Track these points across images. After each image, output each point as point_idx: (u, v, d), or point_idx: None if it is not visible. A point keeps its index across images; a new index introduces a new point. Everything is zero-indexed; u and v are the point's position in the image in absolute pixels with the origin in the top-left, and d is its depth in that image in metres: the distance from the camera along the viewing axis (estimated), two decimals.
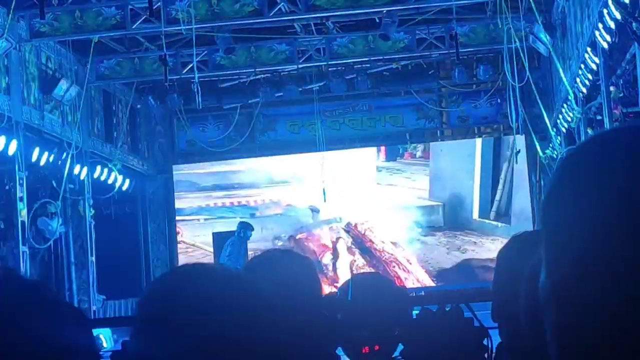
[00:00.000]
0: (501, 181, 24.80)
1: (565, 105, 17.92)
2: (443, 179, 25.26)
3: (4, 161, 16.79)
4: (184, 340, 1.64)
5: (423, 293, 22.32)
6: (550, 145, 20.98)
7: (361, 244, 24.98)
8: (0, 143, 16.14)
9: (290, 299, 2.76)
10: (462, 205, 25.02)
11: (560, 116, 18.71)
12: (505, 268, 2.71)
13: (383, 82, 23.18)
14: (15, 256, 16.78)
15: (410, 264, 24.56)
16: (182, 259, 24.39)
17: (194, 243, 25.29)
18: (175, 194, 25.28)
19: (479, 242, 24.64)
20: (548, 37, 18.06)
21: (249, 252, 23.20)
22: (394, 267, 24.49)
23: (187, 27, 17.04)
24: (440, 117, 25.16)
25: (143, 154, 24.39)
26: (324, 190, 24.00)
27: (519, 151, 23.02)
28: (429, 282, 24.35)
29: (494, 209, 24.83)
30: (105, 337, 18.19)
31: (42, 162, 18.26)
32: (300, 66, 21.41)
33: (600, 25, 12.87)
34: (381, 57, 21.28)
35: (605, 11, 12.31)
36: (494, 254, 3.38)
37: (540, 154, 21.24)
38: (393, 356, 5.66)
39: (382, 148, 25.58)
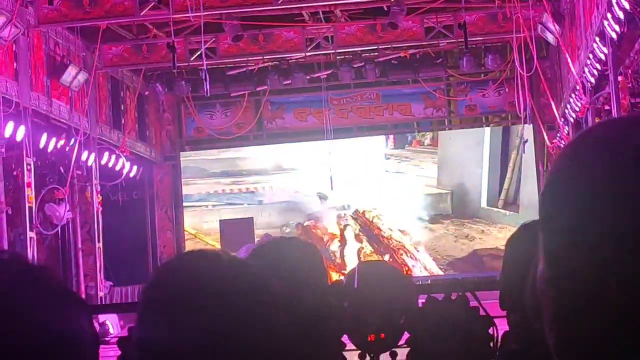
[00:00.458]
0: (509, 169, 24.78)
1: (573, 95, 17.88)
2: (451, 167, 25.24)
3: (12, 147, 16.80)
4: (188, 325, 1.65)
5: (429, 282, 22.35)
6: (558, 135, 20.96)
7: (369, 231, 25.00)
8: (9, 129, 16.16)
9: (296, 287, 2.76)
10: (470, 194, 25.01)
11: (569, 106, 18.67)
12: (513, 257, 2.71)
13: (391, 70, 23.12)
14: (23, 242, 16.81)
15: (418, 251, 24.58)
16: (189, 245, 24.41)
17: (195, 234, 25.31)
18: (182, 180, 25.31)
19: (486, 231, 24.63)
20: (557, 27, 18.02)
21: (256, 240, 23.22)
22: (401, 254, 24.51)
23: (195, 14, 17.03)
24: (448, 106, 25.14)
25: (151, 141, 24.41)
26: (331, 177, 24.00)
27: (526, 141, 22.97)
28: (436, 270, 24.35)
29: (502, 197, 24.81)
30: (111, 323, 18.25)
31: (50, 148, 18.28)
32: (308, 54, 21.38)
33: (609, 15, 12.84)
34: (389, 46, 21.24)
35: (614, 1, 12.27)
36: (501, 243, 3.39)
37: (548, 143, 21.22)
38: (399, 344, 5.67)
39: (391, 135, 25.58)
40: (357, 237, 24.91)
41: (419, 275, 23.69)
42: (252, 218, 25.03)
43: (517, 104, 20.76)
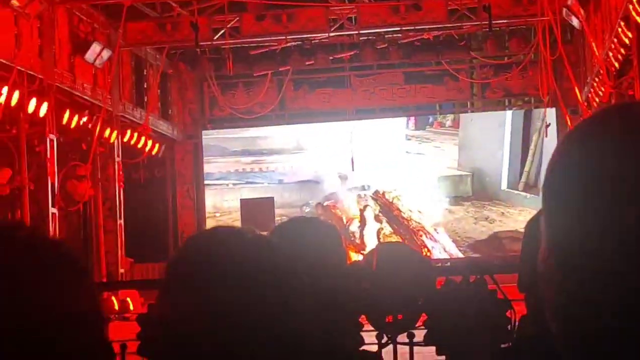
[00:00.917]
0: (531, 152, 24.69)
1: (597, 79, 17.81)
2: (472, 149, 25.18)
3: (35, 123, 16.88)
4: (209, 301, 1.66)
5: (448, 264, 22.34)
6: (581, 119, 20.86)
7: (388, 212, 25.00)
8: (32, 105, 16.23)
9: (315, 267, 2.79)
10: (491, 176, 24.95)
11: (592, 90, 18.59)
12: (533, 240, 2.72)
13: (414, 52, 23.03)
14: (44, 217, 16.90)
15: (438, 233, 24.57)
16: (210, 223, 24.47)
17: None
18: (204, 158, 25.36)
19: (506, 213, 24.59)
20: (581, 10, 17.93)
21: (276, 219, 23.25)
22: (421, 235, 24.52)
23: None
24: (471, 88, 25.07)
25: (173, 119, 24.46)
26: (352, 158, 23.99)
27: (549, 124, 22.87)
28: (455, 252, 24.34)
29: (523, 179, 24.74)
30: (131, 300, 18.35)
31: (73, 125, 18.34)
32: (331, 35, 21.34)
33: (634, 0, 12.78)
34: (413, 27, 21.16)
35: None
36: (521, 225, 3.40)
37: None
38: (416, 326, 5.69)
39: (412, 117, 25.54)
40: (377, 218, 24.92)
41: (438, 257, 23.69)
42: (272, 198, 25.06)
43: (540, 88, 20.68)
